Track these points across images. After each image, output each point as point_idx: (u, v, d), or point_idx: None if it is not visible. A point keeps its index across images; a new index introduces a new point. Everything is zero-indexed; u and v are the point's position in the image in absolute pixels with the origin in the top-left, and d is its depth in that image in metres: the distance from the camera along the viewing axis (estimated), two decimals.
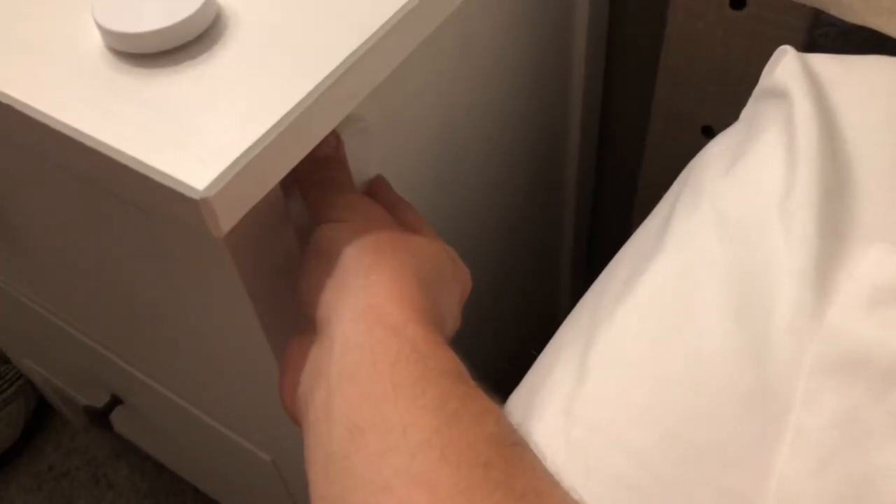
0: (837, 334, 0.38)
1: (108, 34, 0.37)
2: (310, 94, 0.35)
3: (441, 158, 0.58)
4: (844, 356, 0.38)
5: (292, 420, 0.37)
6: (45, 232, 0.56)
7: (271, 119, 0.34)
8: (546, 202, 0.84)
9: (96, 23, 0.37)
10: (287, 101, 0.35)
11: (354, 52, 0.37)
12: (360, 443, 0.28)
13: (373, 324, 0.32)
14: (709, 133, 0.74)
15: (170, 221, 0.40)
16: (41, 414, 1.25)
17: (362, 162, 0.44)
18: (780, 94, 0.48)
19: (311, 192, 0.40)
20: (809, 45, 0.62)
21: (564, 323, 0.49)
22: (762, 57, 0.52)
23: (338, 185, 0.40)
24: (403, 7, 0.39)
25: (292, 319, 0.42)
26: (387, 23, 0.38)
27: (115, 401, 0.86)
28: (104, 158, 0.34)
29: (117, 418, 0.88)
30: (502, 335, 0.86)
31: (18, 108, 0.36)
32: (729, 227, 0.44)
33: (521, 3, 0.59)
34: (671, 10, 0.67)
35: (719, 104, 0.71)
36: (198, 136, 0.34)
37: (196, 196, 0.32)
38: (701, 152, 0.52)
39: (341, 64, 0.36)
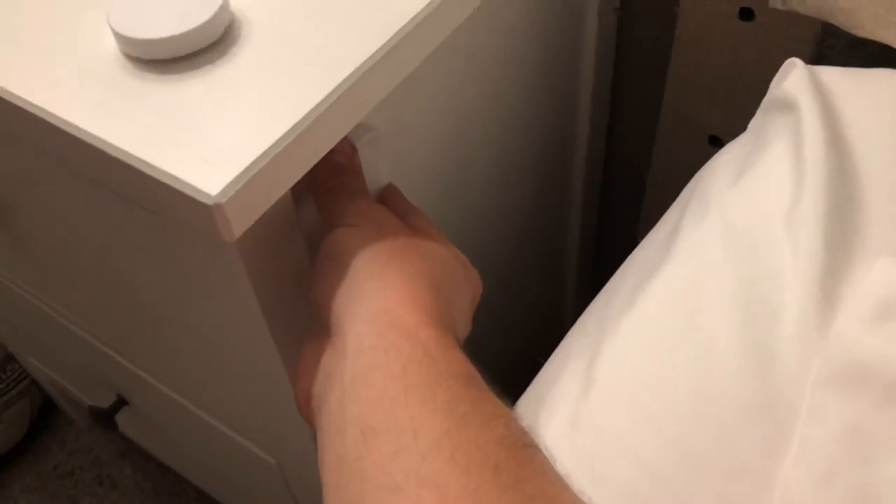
0: (842, 346, 0.38)
1: (123, 40, 0.37)
2: (322, 101, 0.36)
3: (450, 163, 0.59)
4: (849, 368, 0.38)
5: (307, 423, 0.37)
6: (53, 233, 0.56)
7: (284, 126, 0.34)
8: (553, 206, 0.84)
9: (112, 29, 0.37)
10: (299, 109, 0.35)
11: (367, 59, 0.37)
12: (373, 445, 0.28)
13: (385, 327, 0.32)
14: (716, 143, 0.74)
15: (180, 226, 0.41)
16: (46, 413, 1.25)
17: (375, 170, 0.44)
18: (789, 106, 0.48)
19: (325, 199, 0.40)
20: (817, 56, 0.62)
21: (571, 331, 0.50)
22: (770, 67, 0.53)
23: (351, 191, 0.40)
24: (417, 16, 0.39)
25: (300, 324, 0.42)
26: (400, 31, 0.38)
27: (121, 401, 0.86)
28: (117, 162, 0.34)
29: (122, 419, 0.89)
30: (509, 337, 0.87)
31: (34, 111, 0.36)
32: (736, 238, 0.44)
33: (531, 8, 0.59)
34: (680, 18, 0.67)
35: (727, 112, 0.71)
36: (211, 141, 0.34)
37: (209, 201, 0.32)
38: (709, 163, 0.53)
39: (354, 72, 0.37)
